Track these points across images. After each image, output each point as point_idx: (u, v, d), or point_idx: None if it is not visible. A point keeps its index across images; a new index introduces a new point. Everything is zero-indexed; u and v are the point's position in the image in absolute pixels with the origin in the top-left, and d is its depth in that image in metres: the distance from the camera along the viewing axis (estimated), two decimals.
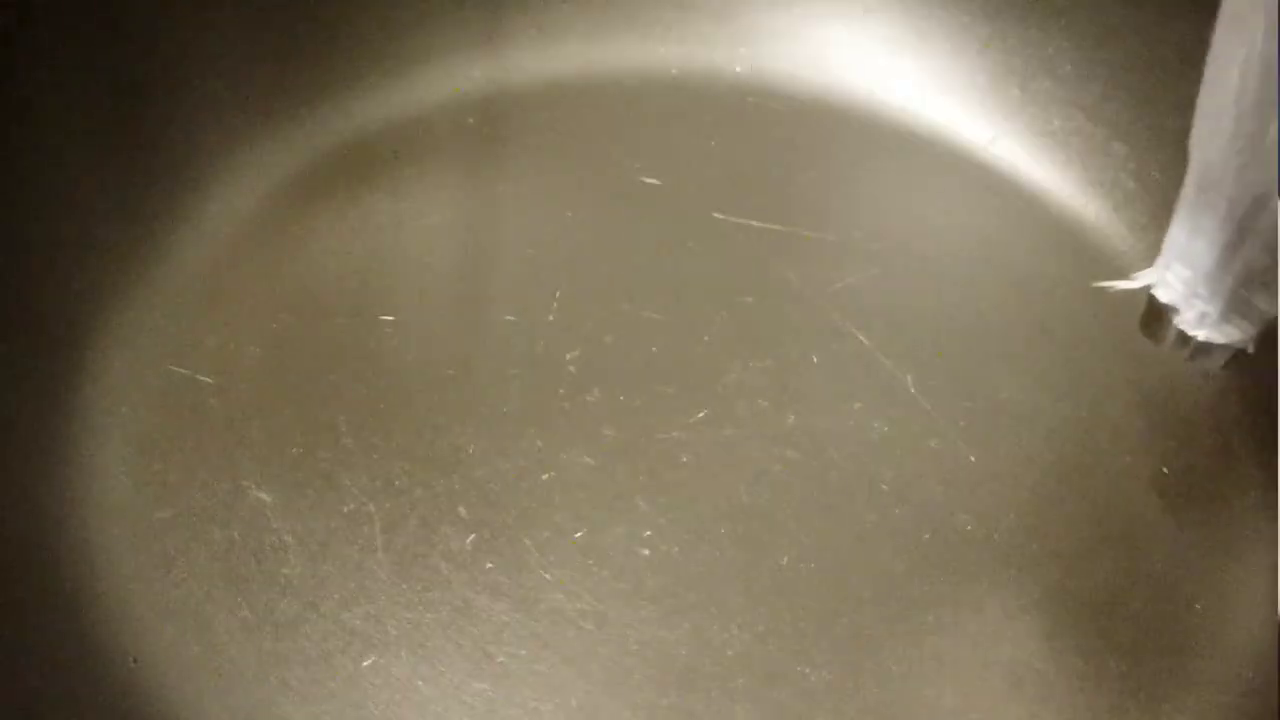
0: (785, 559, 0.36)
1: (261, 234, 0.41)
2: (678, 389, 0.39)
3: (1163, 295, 0.33)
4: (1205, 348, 0.33)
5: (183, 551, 0.35)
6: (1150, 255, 0.41)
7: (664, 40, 0.47)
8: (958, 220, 0.44)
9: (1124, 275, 0.41)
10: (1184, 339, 0.33)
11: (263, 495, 0.36)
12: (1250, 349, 0.33)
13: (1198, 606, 0.36)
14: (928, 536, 0.36)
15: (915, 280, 0.42)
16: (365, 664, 0.33)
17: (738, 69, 0.46)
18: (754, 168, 0.44)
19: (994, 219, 0.44)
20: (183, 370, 0.38)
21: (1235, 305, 0.32)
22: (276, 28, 0.43)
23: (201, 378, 0.38)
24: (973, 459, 0.38)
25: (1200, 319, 0.33)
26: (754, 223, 0.43)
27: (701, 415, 0.38)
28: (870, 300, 0.41)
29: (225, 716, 0.33)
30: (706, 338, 0.40)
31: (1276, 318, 0.32)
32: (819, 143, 0.45)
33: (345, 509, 0.36)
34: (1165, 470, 0.38)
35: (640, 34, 0.46)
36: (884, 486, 0.37)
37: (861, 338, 0.40)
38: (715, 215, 0.43)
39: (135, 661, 0.33)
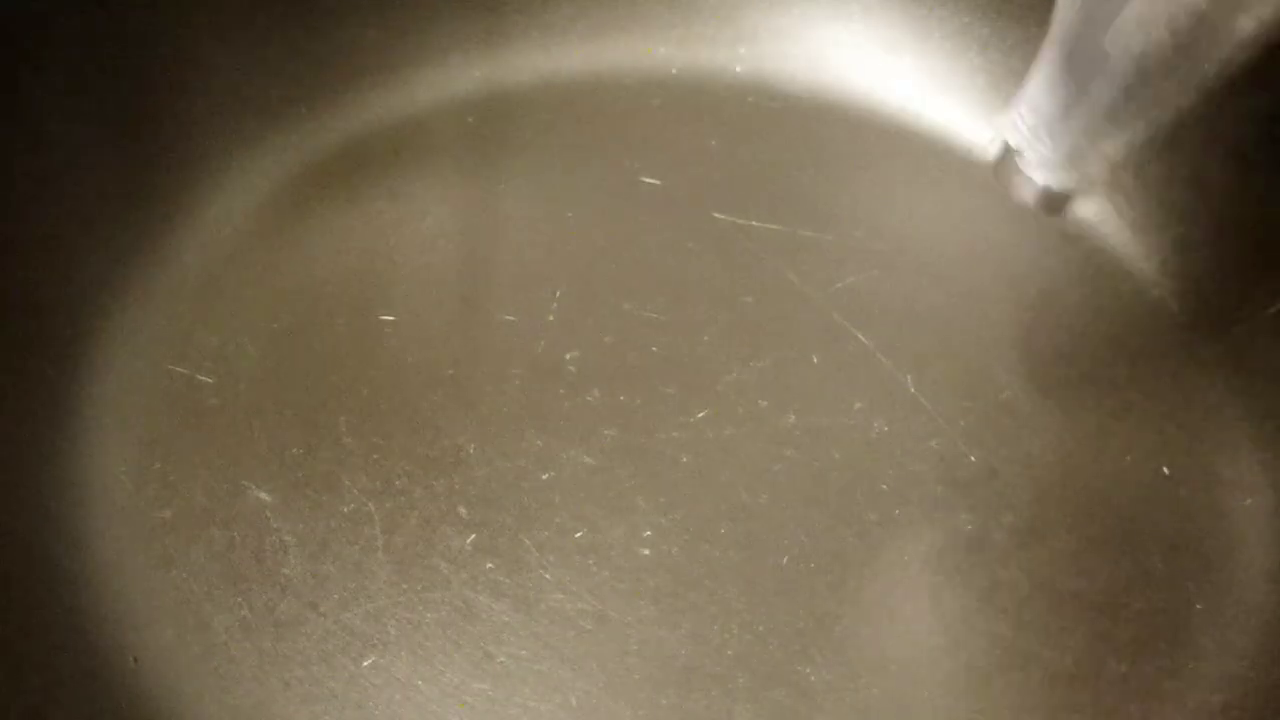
0: (785, 559, 0.36)
1: (261, 234, 0.41)
2: (678, 389, 0.39)
3: (1010, 138, 0.34)
4: (1050, 198, 0.34)
5: (183, 551, 0.35)
6: (1149, 255, 0.42)
7: (664, 40, 0.47)
8: (958, 220, 0.44)
9: (1126, 277, 0.42)
10: (1028, 186, 0.34)
11: (263, 495, 0.36)
12: (1091, 199, 0.34)
13: (1198, 607, 0.36)
14: (928, 537, 0.36)
15: (915, 280, 0.42)
16: (365, 664, 0.33)
17: (738, 69, 0.46)
18: (754, 168, 0.44)
19: (994, 219, 0.43)
20: (183, 370, 0.38)
21: (1075, 153, 0.33)
22: (276, 29, 0.43)
23: (201, 378, 0.38)
24: (973, 459, 0.38)
25: (1041, 162, 0.34)
26: (754, 223, 0.43)
27: (702, 415, 0.38)
28: (870, 300, 0.41)
29: (225, 716, 0.33)
30: (706, 338, 0.40)
31: (1112, 168, 0.33)
32: (819, 143, 0.45)
33: (345, 509, 0.36)
34: (1166, 470, 0.38)
35: (640, 34, 0.46)
36: (884, 486, 0.37)
37: (861, 337, 0.40)
38: (715, 215, 0.43)
39: (135, 661, 0.33)
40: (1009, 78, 0.45)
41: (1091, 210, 0.43)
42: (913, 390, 0.39)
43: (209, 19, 0.42)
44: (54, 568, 0.34)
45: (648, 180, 0.43)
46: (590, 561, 0.35)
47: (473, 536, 0.35)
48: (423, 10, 0.45)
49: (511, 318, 0.40)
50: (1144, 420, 0.39)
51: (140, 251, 0.40)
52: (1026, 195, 0.34)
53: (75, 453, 0.36)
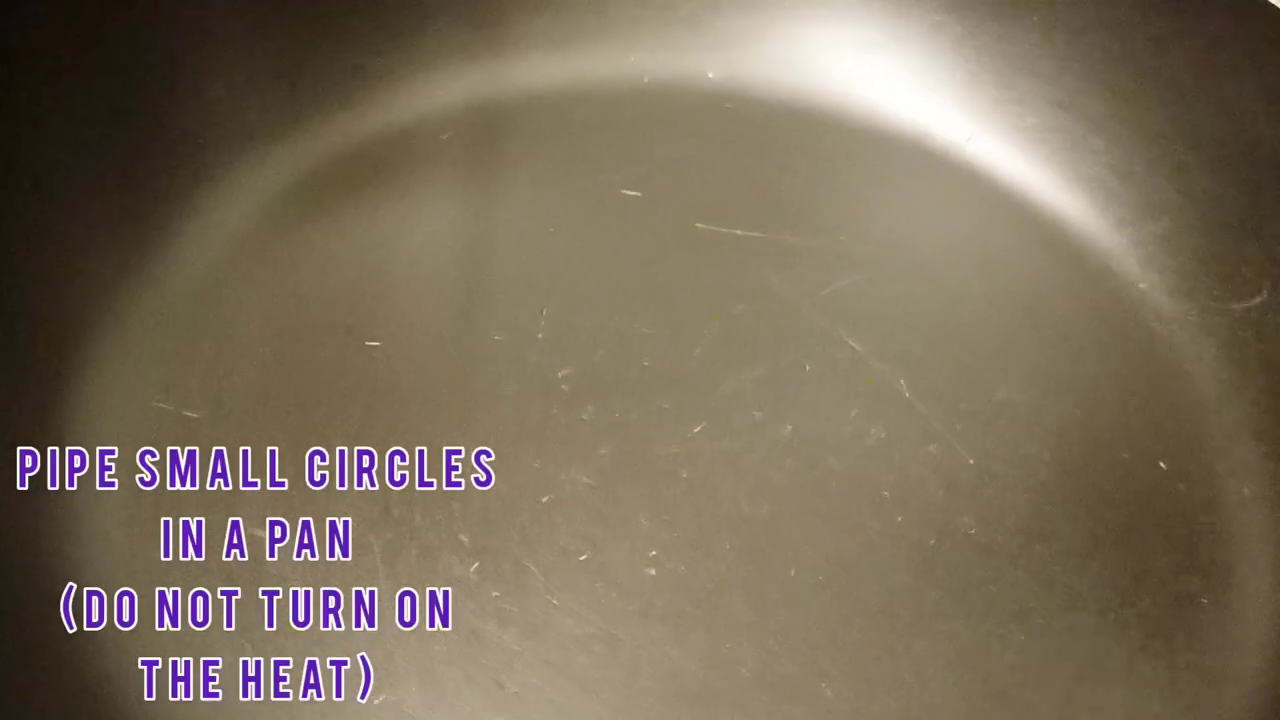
0: (793, 571, 0.35)
1: (242, 259, 0.40)
2: (673, 403, 0.38)
3: None
4: None
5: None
6: (1133, 249, 0.42)
7: (635, 49, 0.46)
8: (941, 220, 0.44)
9: (1112, 273, 0.42)
10: None
11: (258, 531, 0.35)
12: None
13: (1204, 601, 0.36)
14: (932, 542, 0.36)
15: (902, 283, 0.41)
16: (377, 701, 0.33)
17: (711, 75, 0.46)
18: (734, 175, 0.44)
19: (977, 218, 0.43)
20: (168, 406, 0.37)
21: None
22: (256, 54, 0.42)
23: (188, 413, 0.37)
24: (971, 462, 0.38)
25: None
26: (738, 231, 0.42)
27: (698, 429, 0.38)
28: (859, 304, 0.41)
29: None
30: (698, 349, 0.39)
31: None
32: (797, 147, 0.45)
33: (343, 541, 0.35)
34: (1163, 465, 0.38)
35: (611, 43, 0.46)
36: (885, 493, 0.37)
37: (852, 343, 0.40)
38: (698, 225, 0.42)
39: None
40: (984, 75, 0.45)
41: (1074, 205, 0.43)
42: (907, 395, 0.39)
43: (193, 40, 0.41)
44: (49, 608, 0.34)
45: (628, 192, 0.43)
46: (597, 583, 0.35)
47: (476, 564, 0.35)
48: (396, 29, 0.44)
49: (500, 337, 0.39)
50: (1138, 415, 0.39)
51: (119, 284, 0.39)
52: None
53: (64, 493, 0.35)
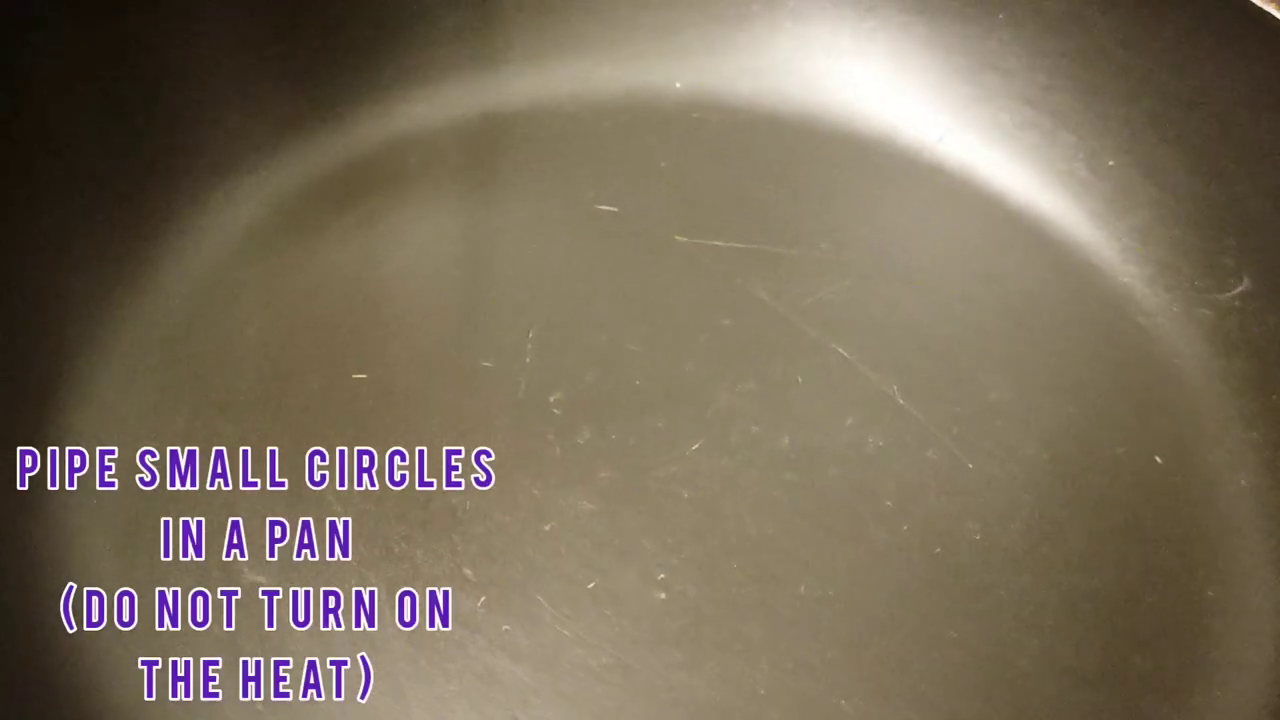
0: (802, 588, 0.35)
1: (219, 292, 0.39)
2: (667, 421, 0.38)
3: None
4: None
5: (182, 643, 0.33)
6: (1112, 243, 0.42)
7: (602, 62, 0.45)
8: (919, 223, 0.43)
9: (1094, 269, 0.42)
10: None
11: (257, 577, 0.34)
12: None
13: (1210, 594, 0.36)
14: (938, 550, 0.36)
15: (886, 287, 0.41)
16: None
17: (678, 85, 0.46)
18: (708, 185, 0.43)
19: (955, 219, 0.43)
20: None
21: None
22: (247, 71, 0.41)
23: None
24: (970, 466, 0.37)
25: None
26: (718, 243, 0.42)
27: (696, 447, 0.37)
28: (845, 312, 0.40)
29: None
30: (688, 365, 0.39)
31: None
32: (769, 155, 0.44)
33: (345, 583, 0.34)
34: (1158, 459, 0.38)
35: (576, 57, 0.45)
36: (888, 503, 0.37)
37: (842, 351, 0.39)
38: (678, 238, 0.42)
39: None
40: (953, 75, 0.45)
41: (1050, 201, 0.43)
42: (901, 401, 0.39)
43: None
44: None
45: (604, 208, 0.42)
46: (607, 611, 0.34)
47: (483, 598, 0.34)
48: (354, 52, 0.43)
49: (489, 363, 0.38)
50: (1130, 410, 0.39)
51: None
52: None
53: (53, 543, 0.34)
